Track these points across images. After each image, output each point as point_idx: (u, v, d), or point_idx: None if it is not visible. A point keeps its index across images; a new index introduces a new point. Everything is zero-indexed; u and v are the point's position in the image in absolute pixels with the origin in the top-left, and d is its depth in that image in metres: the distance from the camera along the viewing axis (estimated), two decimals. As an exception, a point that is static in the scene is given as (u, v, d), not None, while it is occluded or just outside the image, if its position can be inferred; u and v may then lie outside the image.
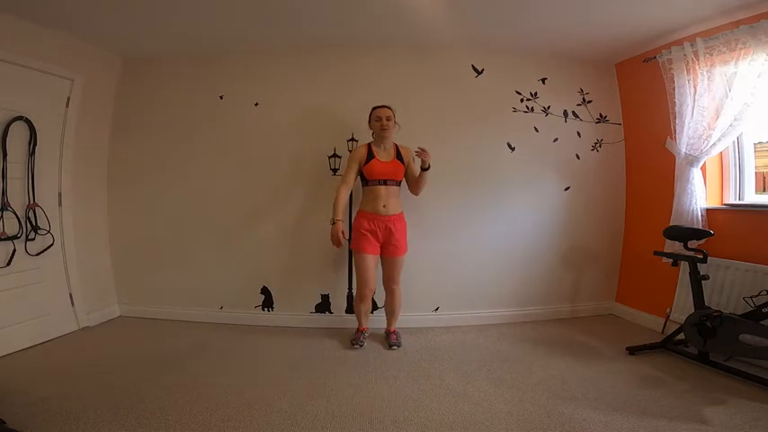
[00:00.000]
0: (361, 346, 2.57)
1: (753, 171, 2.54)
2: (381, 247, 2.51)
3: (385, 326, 2.73)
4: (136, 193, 3.10)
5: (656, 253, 2.59)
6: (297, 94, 2.96)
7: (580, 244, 3.18)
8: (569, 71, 3.11)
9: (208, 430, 1.68)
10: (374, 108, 2.50)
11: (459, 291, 3.04)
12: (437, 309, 3.04)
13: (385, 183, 2.45)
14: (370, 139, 2.58)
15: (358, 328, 2.68)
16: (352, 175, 2.48)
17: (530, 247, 3.10)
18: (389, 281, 2.59)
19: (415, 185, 2.57)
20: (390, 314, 2.67)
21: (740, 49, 2.26)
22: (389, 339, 2.60)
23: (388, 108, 2.49)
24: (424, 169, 2.45)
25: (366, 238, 2.46)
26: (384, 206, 2.44)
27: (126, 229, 3.13)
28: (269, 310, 3.04)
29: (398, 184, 2.52)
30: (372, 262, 2.50)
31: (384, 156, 2.49)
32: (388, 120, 2.44)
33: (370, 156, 2.46)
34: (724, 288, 2.39)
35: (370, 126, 2.52)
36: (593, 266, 3.23)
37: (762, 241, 2.29)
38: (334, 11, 2.42)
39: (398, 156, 2.52)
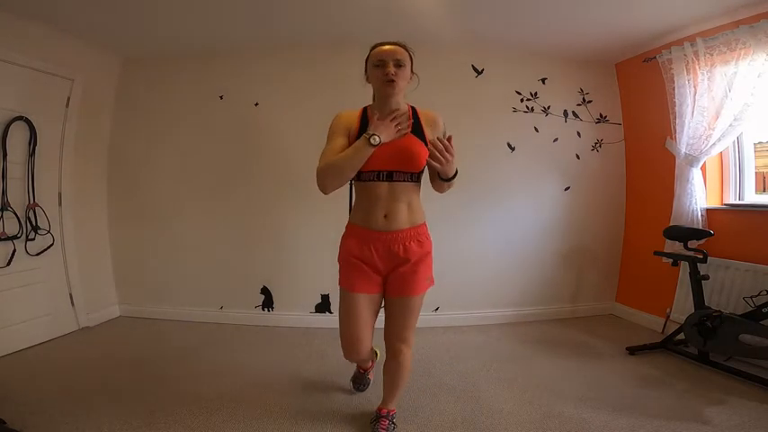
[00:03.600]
0: (366, 387, 2.02)
1: (753, 171, 2.54)
2: (385, 281, 1.53)
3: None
4: (136, 192, 3.10)
5: (656, 253, 2.59)
6: (297, 93, 2.96)
7: (580, 244, 3.18)
8: (569, 71, 3.11)
9: (208, 430, 1.68)
10: (374, 47, 1.49)
11: (460, 291, 3.03)
12: (437, 309, 3.03)
13: (390, 177, 1.43)
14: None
15: (359, 367, 2.03)
16: (336, 152, 1.43)
17: (530, 247, 3.10)
18: (394, 336, 1.56)
19: (437, 185, 1.57)
20: (390, 386, 1.64)
21: (740, 49, 2.25)
22: (377, 426, 1.60)
23: (401, 46, 1.46)
24: (444, 180, 1.46)
25: (355, 268, 1.50)
26: (385, 216, 1.46)
27: (126, 229, 3.13)
28: (269, 310, 3.04)
29: (415, 177, 1.49)
30: (366, 306, 1.52)
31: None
32: (398, 66, 1.42)
33: (366, 127, 1.44)
34: (724, 288, 2.39)
35: (367, 79, 1.53)
36: (594, 266, 3.23)
37: (762, 241, 2.28)
38: (335, 10, 2.42)
39: (416, 129, 1.47)
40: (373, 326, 1.59)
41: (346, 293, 1.53)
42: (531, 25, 2.60)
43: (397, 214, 1.47)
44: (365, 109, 1.54)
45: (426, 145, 1.45)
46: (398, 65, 1.42)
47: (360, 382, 2.01)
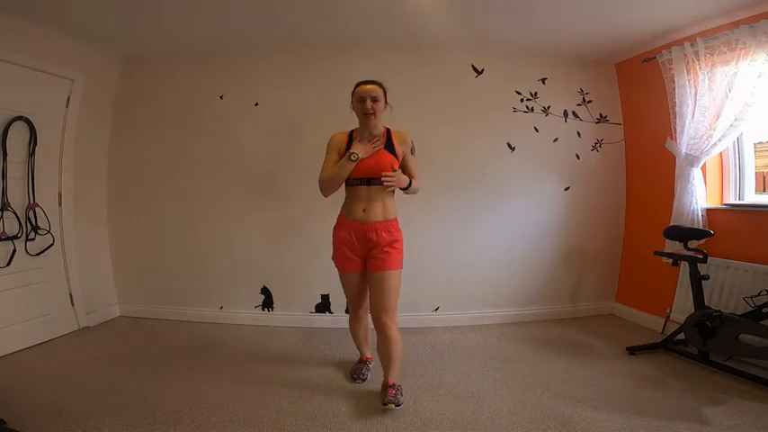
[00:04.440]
0: (363, 380, 2.12)
1: (753, 171, 2.54)
2: (365, 262, 1.96)
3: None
4: (135, 192, 3.10)
5: (656, 253, 2.59)
6: (297, 93, 2.96)
7: (580, 244, 3.18)
8: (569, 71, 3.11)
9: (208, 430, 1.68)
10: (358, 84, 1.94)
11: (460, 291, 3.04)
12: (437, 309, 3.03)
13: (368, 182, 1.87)
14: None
15: (360, 358, 2.25)
16: (331, 165, 1.93)
17: (530, 247, 3.10)
18: (377, 308, 1.89)
19: (405, 192, 2.01)
20: (386, 360, 1.91)
21: (740, 49, 2.25)
22: (386, 395, 1.85)
23: (377, 85, 1.92)
24: (402, 190, 1.96)
25: (343, 253, 1.96)
26: (364, 210, 1.89)
27: (126, 229, 3.13)
28: (269, 310, 3.04)
29: None
30: (356, 279, 2.01)
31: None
32: (374, 101, 1.88)
33: (351, 146, 1.90)
34: (724, 288, 2.39)
35: (352, 107, 1.97)
36: (594, 266, 3.23)
37: (762, 241, 2.28)
38: (336, 11, 2.42)
39: (389, 146, 1.93)
40: (363, 290, 2.04)
41: (339, 272, 2.03)
42: (532, 25, 2.60)
43: (373, 209, 1.90)
44: (352, 131, 2.00)
45: (396, 158, 1.94)
46: (375, 100, 1.89)
47: (359, 372, 2.16)
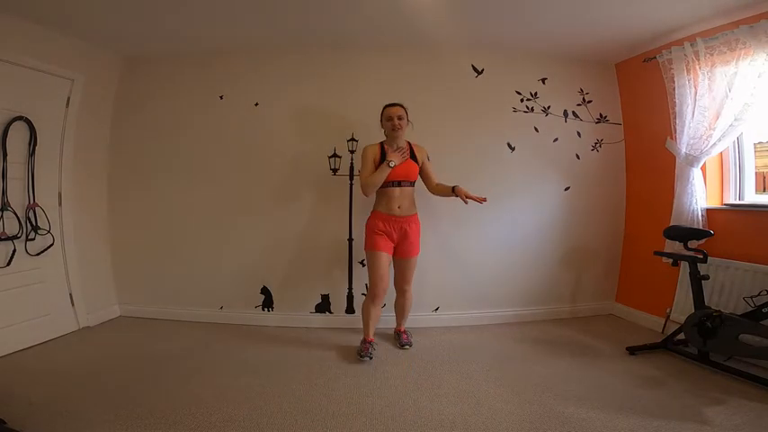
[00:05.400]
0: (371, 358, 2.36)
1: (753, 171, 2.54)
2: (395, 249, 2.45)
3: (394, 326, 2.74)
4: (136, 192, 3.10)
5: (656, 253, 2.59)
6: (297, 94, 2.96)
7: (580, 244, 3.18)
8: (569, 71, 3.11)
9: (208, 430, 1.68)
10: (385, 107, 2.43)
11: (459, 291, 3.04)
12: (437, 309, 3.03)
13: (399, 184, 2.37)
14: (373, 139, 2.53)
15: (365, 339, 2.46)
16: (370, 171, 2.37)
17: (530, 247, 3.10)
18: (402, 282, 2.54)
19: (435, 192, 2.54)
20: (401, 315, 2.66)
21: (740, 49, 2.25)
22: (401, 339, 2.61)
23: (401, 106, 2.41)
24: (454, 193, 2.39)
25: (381, 237, 2.40)
26: (399, 207, 2.39)
27: (126, 229, 3.13)
28: (269, 310, 3.04)
29: (412, 184, 2.45)
30: (387, 260, 2.42)
31: None
32: (400, 119, 2.36)
33: (384, 157, 2.37)
34: (724, 288, 2.39)
35: (381, 126, 2.45)
36: (593, 266, 3.23)
37: (762, 241, 2.28)
38: (336, 12, 2.42)
39: (412, 155, 2.44)
40: (389, 272, 2.45)
41: (373, 253, 2.40)
42: (531, 25, 2.60)
43: (406, 206, 2.42)
44: (381, 144, 2.45)
45: (418, 165, 2.46)
46: (400, 118, 2.38)
47: (366, 352, 2.37)
